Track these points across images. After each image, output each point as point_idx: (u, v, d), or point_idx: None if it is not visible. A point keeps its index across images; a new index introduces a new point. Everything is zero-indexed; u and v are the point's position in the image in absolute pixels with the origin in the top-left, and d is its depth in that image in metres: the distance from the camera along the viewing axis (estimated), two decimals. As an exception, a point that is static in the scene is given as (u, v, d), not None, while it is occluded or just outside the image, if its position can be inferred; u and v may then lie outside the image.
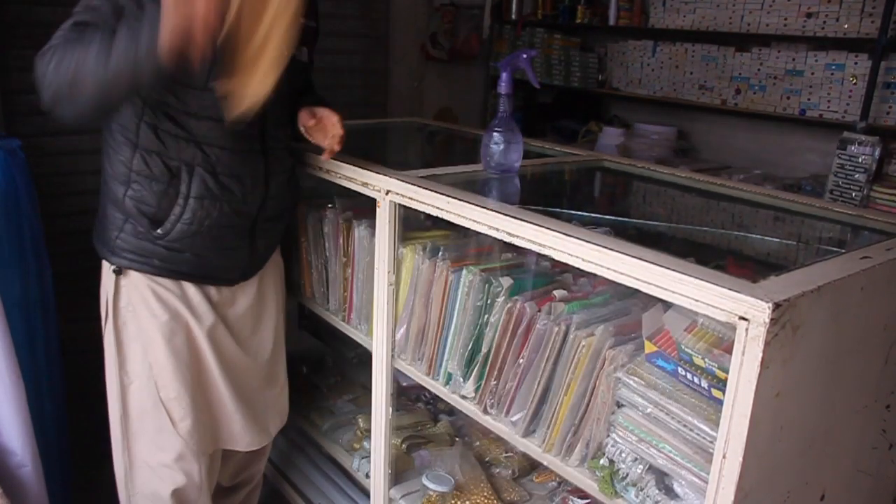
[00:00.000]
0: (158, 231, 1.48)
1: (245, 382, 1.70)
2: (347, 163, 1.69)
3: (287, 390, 1.87)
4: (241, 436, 1.70)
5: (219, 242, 1.53)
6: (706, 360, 1.06)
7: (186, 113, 1.43)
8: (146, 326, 1.55)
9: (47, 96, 1.26)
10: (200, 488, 1.63)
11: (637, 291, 1.08)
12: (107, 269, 1.56)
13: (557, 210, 1.40)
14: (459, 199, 1.38)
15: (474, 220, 1.35)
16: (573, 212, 1.43)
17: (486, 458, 1.91)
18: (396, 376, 1.74)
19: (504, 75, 1.61)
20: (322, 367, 2.46)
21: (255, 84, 1.22)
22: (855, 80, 2.90)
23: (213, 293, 1.61)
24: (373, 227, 1.65)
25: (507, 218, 1.27)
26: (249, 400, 1.71)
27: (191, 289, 1.57)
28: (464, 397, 1.51)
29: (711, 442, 1.05)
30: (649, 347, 1.15)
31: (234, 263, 1.62)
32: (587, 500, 1.66)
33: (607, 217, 1.50)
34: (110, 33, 1.20)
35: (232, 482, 1.91)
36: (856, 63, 2.90)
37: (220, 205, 1.49)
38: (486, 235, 1.33)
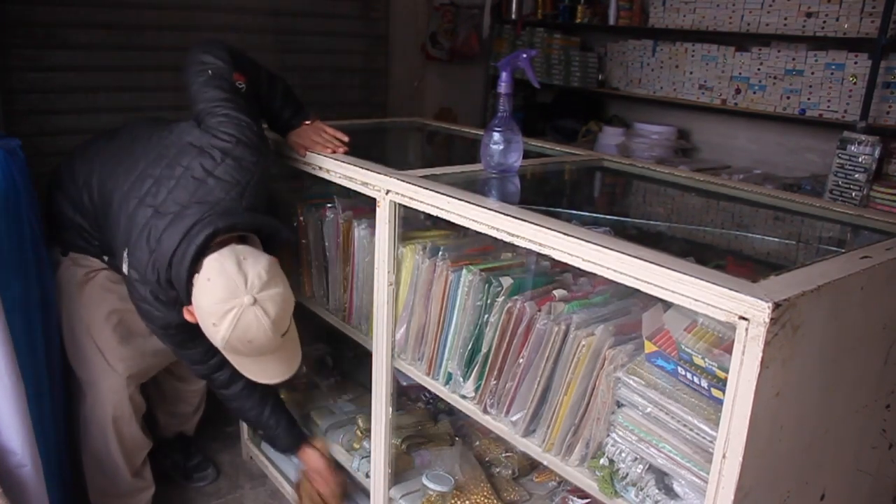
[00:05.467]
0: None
1: None
2: (347, 162, 1.70)
3: None
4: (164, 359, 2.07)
5: None
6: (706, 359, 1.06)
7: None
8: (88, 293, 1.92)
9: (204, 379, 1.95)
10: (131, 410, 2.01)
11: (637, 291, 1.08)
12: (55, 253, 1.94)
13: (557, 210, 1.40)
14: (459, 199, 1.38)
15: (474, 220, 1.34)
16: (573, 211, 1.43)
17: (486, 458, 1.91)
18: (396, 376, 1.75)
19: (504, 75, 1.61)
20: (322, 366, 2.47)
21: None
22: (855, 80, 2.90)
23: None
24: (373, 226, 1.65)
25: (507, 218, 1.27)
26: None
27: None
28: (464, 397, 1.51)
29: (711, 441, 1.05)
30: (649, 347, 1.15)
31: None
32: (587, 500, 1.66)
33: (607, 217, 1.50)
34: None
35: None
36: (856, 63, 2.90)
37: None
38: (486, 235, 1.33)
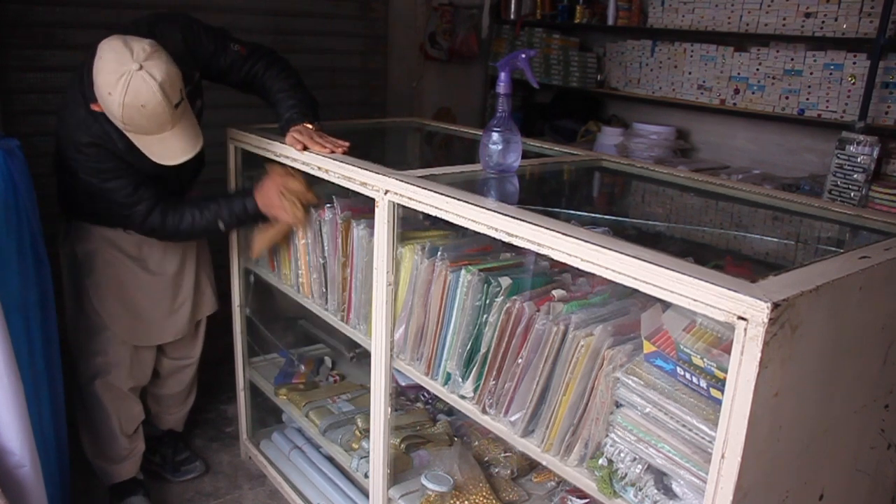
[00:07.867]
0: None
1: (158, 293, 2.18)
2: (346, 162, 1.70)
3: (209, 293, 2.35)
4: (163, 331, 2.22)
5: None
6: (705, 359, 1.06)
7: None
8: (97, 260, 2.07)
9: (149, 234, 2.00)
10: (127, 373, 2.16)
11: (636, 291, 1.09)
12: (65, 222, 2.10)
13: (556, 210, 1.40)
14: (458, 199, 1.38)
15: (473, 220, 1.35)
16: (572, 211, 1.43)
17: (485, 458, 1.91)
18: (395, 376, 1.75)
19: (503, 75, 1.61)
20: (321, 366, 2.47)
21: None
22: (853, 80, 2.91)
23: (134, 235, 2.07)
24: (371, 226, 1.65)
25: (506, 218, 1.27)
26: (162, 306, 2.20)
27: (121, 232, 2.07)
28: (462, 397, 1.51)
29: (710, 442, 1.05)
30: (648, 347, 1.15)
31: None
32: (586, 500, 1.66)
33: (606, 217, 1.50)
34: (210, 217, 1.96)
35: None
36: (854, 63, 2.90)
37: None
38: (485, 235, 1.33)
